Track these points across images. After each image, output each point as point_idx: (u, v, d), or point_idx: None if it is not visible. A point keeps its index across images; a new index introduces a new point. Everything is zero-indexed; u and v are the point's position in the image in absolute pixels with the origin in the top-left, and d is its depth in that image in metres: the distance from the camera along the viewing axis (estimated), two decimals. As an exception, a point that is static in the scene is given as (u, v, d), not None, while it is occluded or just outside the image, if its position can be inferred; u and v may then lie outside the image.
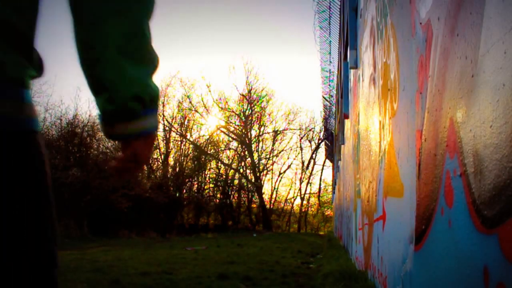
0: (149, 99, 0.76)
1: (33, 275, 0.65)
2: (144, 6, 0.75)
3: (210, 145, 25.22)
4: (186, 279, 4.12)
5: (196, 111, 25.43)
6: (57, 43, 37.96)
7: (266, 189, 28.12)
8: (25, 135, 0.67)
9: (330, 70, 14.08)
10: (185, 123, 25.31)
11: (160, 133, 24.56)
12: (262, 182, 26.69)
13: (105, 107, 0.76)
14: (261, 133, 27.21)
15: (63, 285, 3.71)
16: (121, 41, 0.72)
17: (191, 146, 24.71)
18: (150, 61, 0.77)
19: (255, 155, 26.38)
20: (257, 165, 26.21)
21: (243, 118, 26.39)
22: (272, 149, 27.55)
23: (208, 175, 25.23)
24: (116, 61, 0.73)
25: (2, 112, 0.63)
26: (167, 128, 24.51)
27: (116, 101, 0.74)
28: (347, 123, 7.35)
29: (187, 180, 23.47)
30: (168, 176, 22.65)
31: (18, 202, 0.64)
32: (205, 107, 25.92)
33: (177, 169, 23.17)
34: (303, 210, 29.74)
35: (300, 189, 29.32)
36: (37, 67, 0.72)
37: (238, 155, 26.20)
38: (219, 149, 25.81)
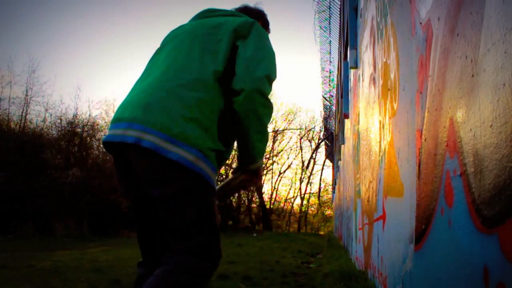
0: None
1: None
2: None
3: (210, 145, 25.18)
4: (186, 279, 4.12)
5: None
6: (57, 43, 37.96)
7: (266, 189, 28.12)
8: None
9: (330, 70, 14.08)
10: (185, 123, 25.25)
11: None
12: (262, 182, 26.69)
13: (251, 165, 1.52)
14: (261, 133, 27.16)
15: (63, 285, 3.71)
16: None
17: (191, 146, 24.65)
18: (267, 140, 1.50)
19: (255, 155, 26.33)
20: (257, 165, 26.16)
21: (243, 118, 26.35)
22: (272, 148, 27.55)
23: (208, 174, 25.18)
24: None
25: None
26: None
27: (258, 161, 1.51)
28: (347, 122, 7.35)
29: (187, 180, 23.40)
30: (168, 176, 22.62)
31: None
32: (205, 107, 25.88)
33: (177, 169, 23.15)
34: (303, 210, 29.73)
35: (300, 189, 29.33)
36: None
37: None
38: (219, 149, 25.77)
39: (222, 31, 1.44)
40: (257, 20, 1.66)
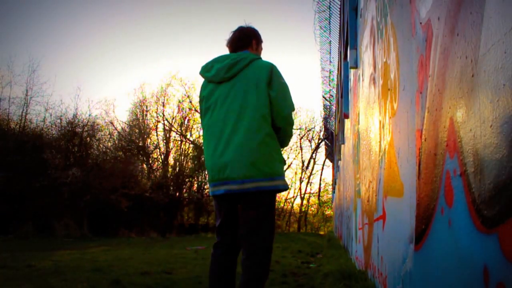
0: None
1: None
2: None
3: (210, 145, 25.16)
4: (186, 279, 4.12)
5: (196, 111, 25.47)
6: (57, 43, 37.96)
7: (266, 189, 28.02)
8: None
9: (330, 70, 14.07)
10: (185, 123, 25.30)
11: (160, 133, 24.56)
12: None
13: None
14: (261, 133, 27.14)
15: (63, 285, 3.71)
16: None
17: (191, 146, 24.70)
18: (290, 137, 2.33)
19: (255, 155, 26.33)
20: (257, 165, 26.16)
21: (243, 118, 26.32)
22: (272, 149, 27.47)
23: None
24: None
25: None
26: (167, 128, 24.50)
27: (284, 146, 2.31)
28: (347, 122, 7.35)
29: (187, 179, 23.44)
30: (168, 175, 22.64)
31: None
32: (205, 107, 25.85)
33: (177, 168, 23.17)
34: (303, 210, 29.73)
35: (300, 189, 29.33)
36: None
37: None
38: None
39: (262, 87, 2.09)
40: (253, 37, 2.29)
